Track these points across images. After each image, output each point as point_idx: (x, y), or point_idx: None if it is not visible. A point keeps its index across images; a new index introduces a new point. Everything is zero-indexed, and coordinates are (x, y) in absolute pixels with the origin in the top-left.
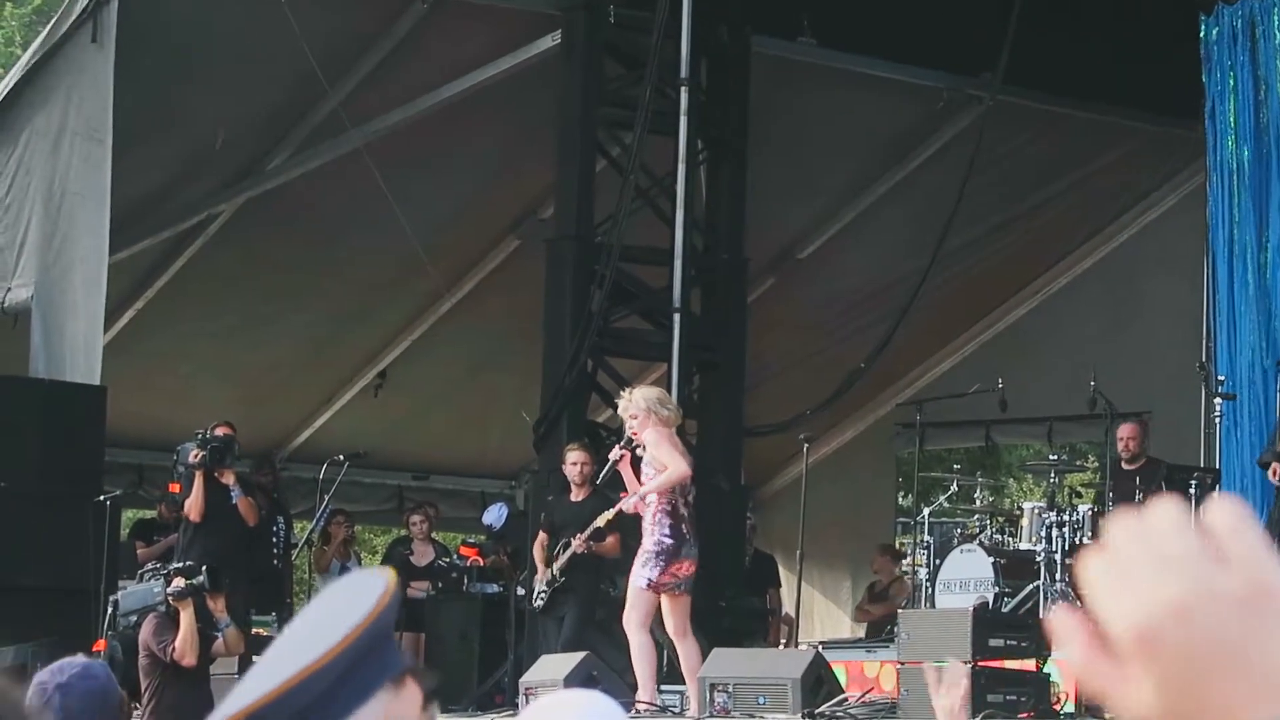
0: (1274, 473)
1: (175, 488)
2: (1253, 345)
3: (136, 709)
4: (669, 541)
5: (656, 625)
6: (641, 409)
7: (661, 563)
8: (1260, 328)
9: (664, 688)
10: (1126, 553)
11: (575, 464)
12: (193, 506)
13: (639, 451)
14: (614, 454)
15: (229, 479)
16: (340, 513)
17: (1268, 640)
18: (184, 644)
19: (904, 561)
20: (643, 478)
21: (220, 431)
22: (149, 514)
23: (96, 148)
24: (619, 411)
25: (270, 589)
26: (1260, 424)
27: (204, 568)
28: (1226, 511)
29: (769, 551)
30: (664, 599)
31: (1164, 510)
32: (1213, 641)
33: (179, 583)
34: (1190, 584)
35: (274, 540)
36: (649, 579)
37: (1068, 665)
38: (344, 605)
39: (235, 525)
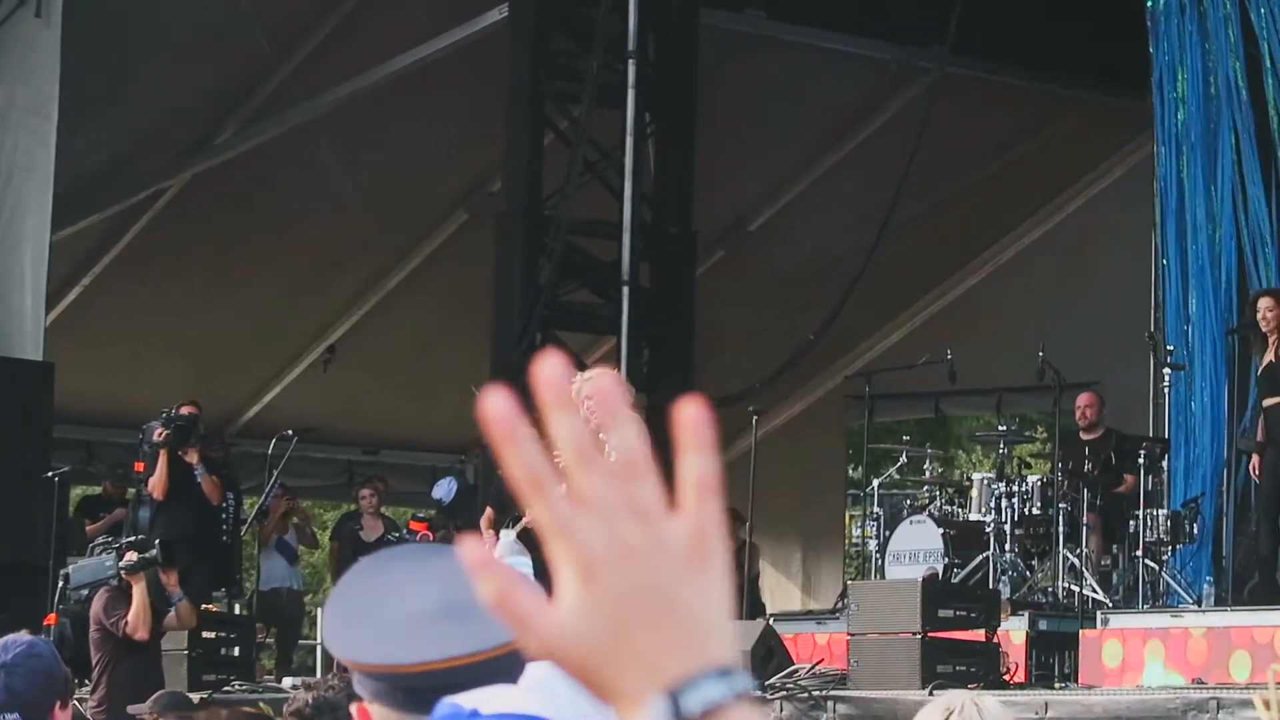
0: (1254, 467)
1: (140, 466)
2: (1202, 315)
3: (86, 684)
4: None
5: None
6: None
7: None
8: (1210, 297)
9: None
10: (596, 488)
11: None
12: (156, 484)
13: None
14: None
15: (193, 457)
16: (281, 487)
17: (699, 594)
18: (136, 618)
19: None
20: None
21: (185, 410)
22: (95, 490)
23: (43, 123)
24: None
25: (220, 564)
26: (1210, 393)
27: (157, 541)
28: (696, 466)
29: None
30: None
31: (636, 451)
32: (648, 588)
33: (131, 556)
34: (640, 531)
35: (224, 516)
36: None
37: (489, 589)
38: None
39: (199, 503)
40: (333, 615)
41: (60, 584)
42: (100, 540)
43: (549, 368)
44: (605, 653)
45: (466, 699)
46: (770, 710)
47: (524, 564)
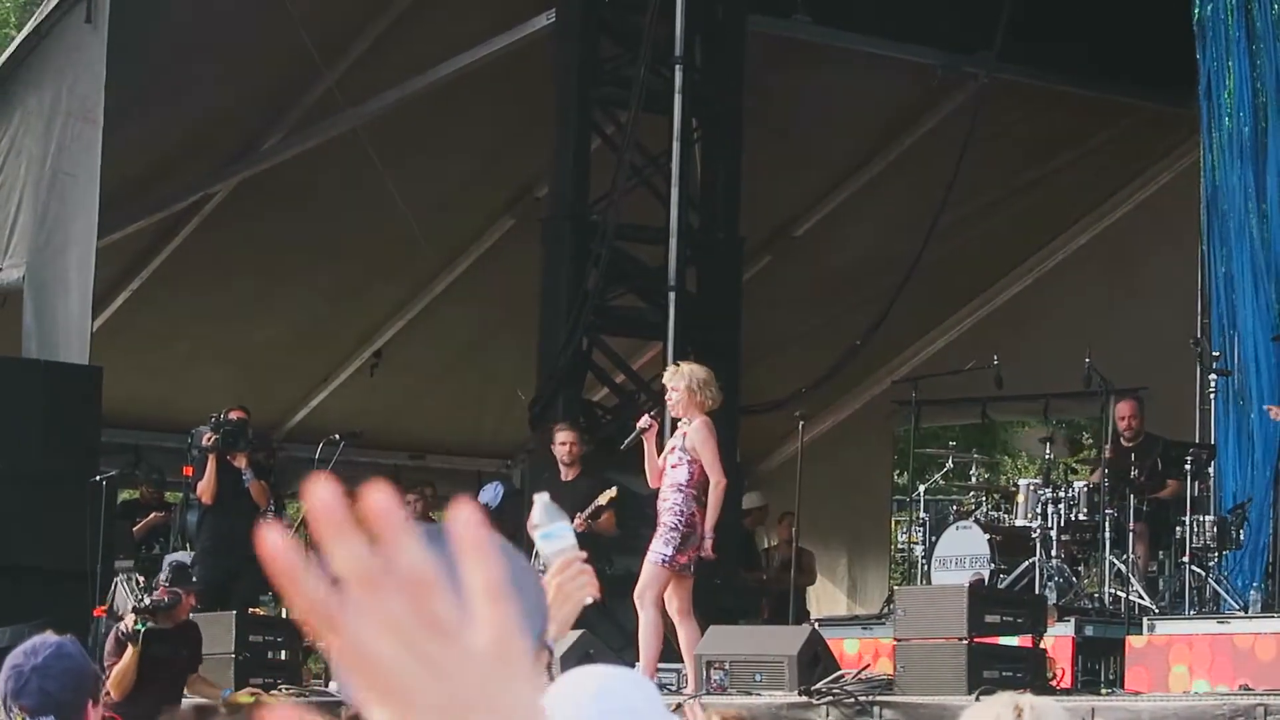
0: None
1: (189, 470)
2: (1249, 321)
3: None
4: (694, 524)
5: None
6: (682, 387)
7: (684, 542)
8: (1257, 303)
9: (661, 665)
10: (390, 610)
11: (564, 444)
12: (205, 489)
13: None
14: (643, 422)
15: (241, 462)
16: None
17: (512, 699)
18: (115, 678)
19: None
20: (671, 460)
21: (233, 415)
22: (134, 494)
23: (89, 128)
24: (664, 379)
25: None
26: (1256, 399)
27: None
28: (480, 572)
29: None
30: (672, 580)
31: (424, 568)
32: (461, 703)
33: (128, 621)
34: (442, 648)
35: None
36: (667, 556)
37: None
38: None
39: (247, 508)
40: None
41: (110, 590)
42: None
43: (324, 493)
44: None
45: None
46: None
47: (565, 529)
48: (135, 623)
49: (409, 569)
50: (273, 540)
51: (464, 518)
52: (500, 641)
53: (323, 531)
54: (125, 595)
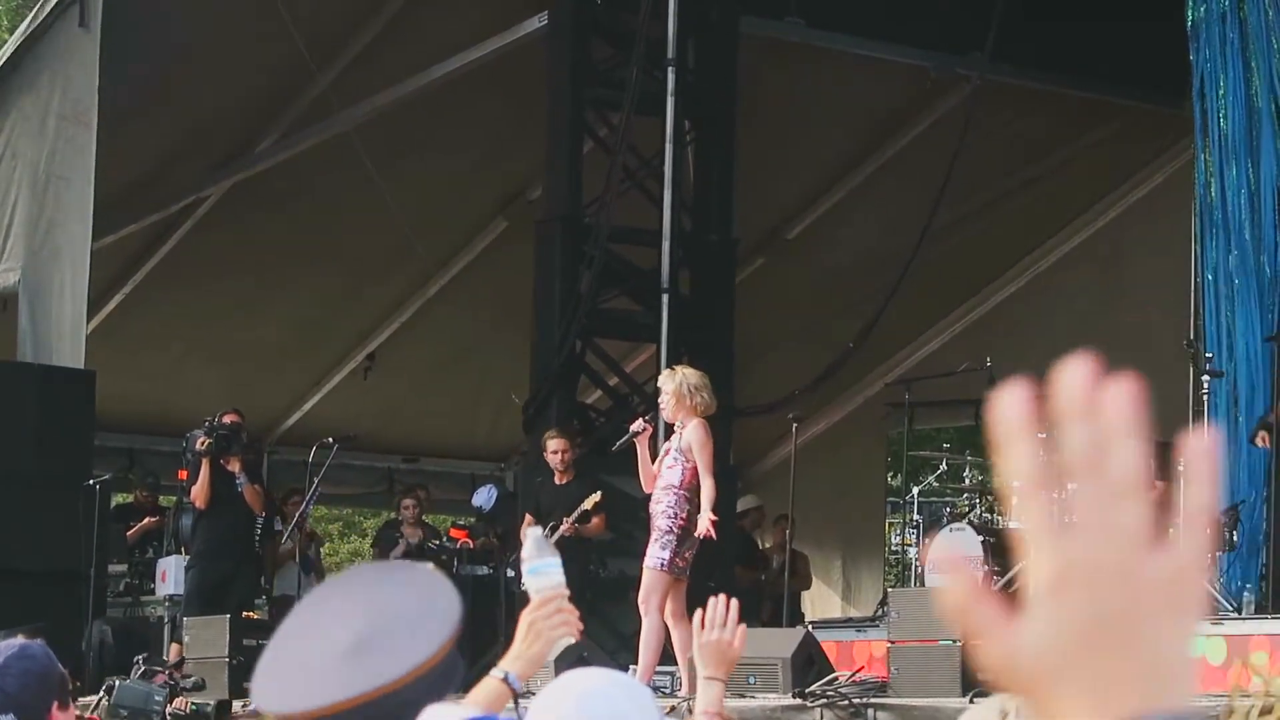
0: (1262, 439)
1: (184, 474)
2: (1243, 322)
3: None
4: (687, 526)
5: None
6: (670, 390)
7: (679, 544)
8: (1251, 305)
9: (655, 668)
10: (1091, 501)
11: (555, 452)
12: (199, 493)
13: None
14: (637, 425)
15: (235, 466)
16: (295, 492)
17: (1168, 632)
18: None
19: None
20: (667, 461)
21: (228, 419)
22: (129, 498)
23: (83, 131)
24: (659, 382)
25: (260, 573)
26: (1250, 401)
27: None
28: (1199, 500)
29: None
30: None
31: (1137, 471)
32: (1117, 613)
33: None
34: (1124, 554)
35: (255, 525)
36: (665, 560)
37: (952, 595)
38: (423, 605)
39: (240, 512)
40: (260, 664)
41: (104, 696)
42: (149, 668)
43: (1077, 374)
44: (1056, 671)
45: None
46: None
47: (554, 565)
48: None
49: (1123, 469)
50: (1009, 398)
51: (1201, 445)
52: (1182, 574)
53: (1065, 410)
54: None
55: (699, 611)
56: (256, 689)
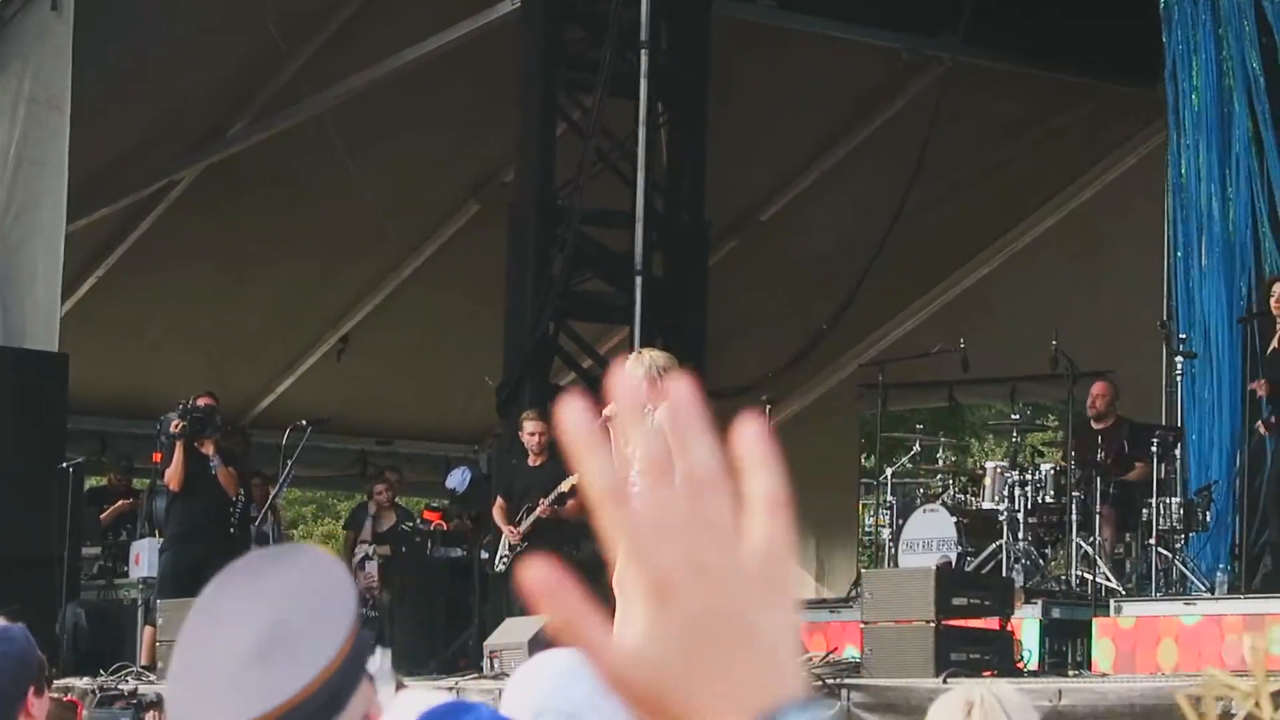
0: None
1: (158, 457)
2: (1215, 303)
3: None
4: None
5: None
6: (640, 373)
7: None
8: (1223, 285)
9: None
10: (669, 505)
11: (532, 434)
12: (172, 476)
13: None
14: (608, 409)
15: (209, 449)
16: (259, 474)
17: (774, 619)
18: None
19: None
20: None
21: (201, 402)
22: (102, 481)
23: (55, 115)
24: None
25: (235, 556)
26: (1223, 381)
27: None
28: (764, 483)
29: None
30: None
31: (709, 468)
32: (723, 610)
33: None
34: (714, 551)
35: (232, 510)
36: None
37: (554, 620)
38: (317, 604)
39: (214, 495)
40: (168, 680)
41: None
42: (113, 689)
43: (629, 381)
44: (678, 678)
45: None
46: None
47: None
48: None
49: (695, 467)
50: (573, 410)
51: (751, 430)
52: (772, 559)
53: (625, 415)
54: None
55: None
56: (169, 711)
